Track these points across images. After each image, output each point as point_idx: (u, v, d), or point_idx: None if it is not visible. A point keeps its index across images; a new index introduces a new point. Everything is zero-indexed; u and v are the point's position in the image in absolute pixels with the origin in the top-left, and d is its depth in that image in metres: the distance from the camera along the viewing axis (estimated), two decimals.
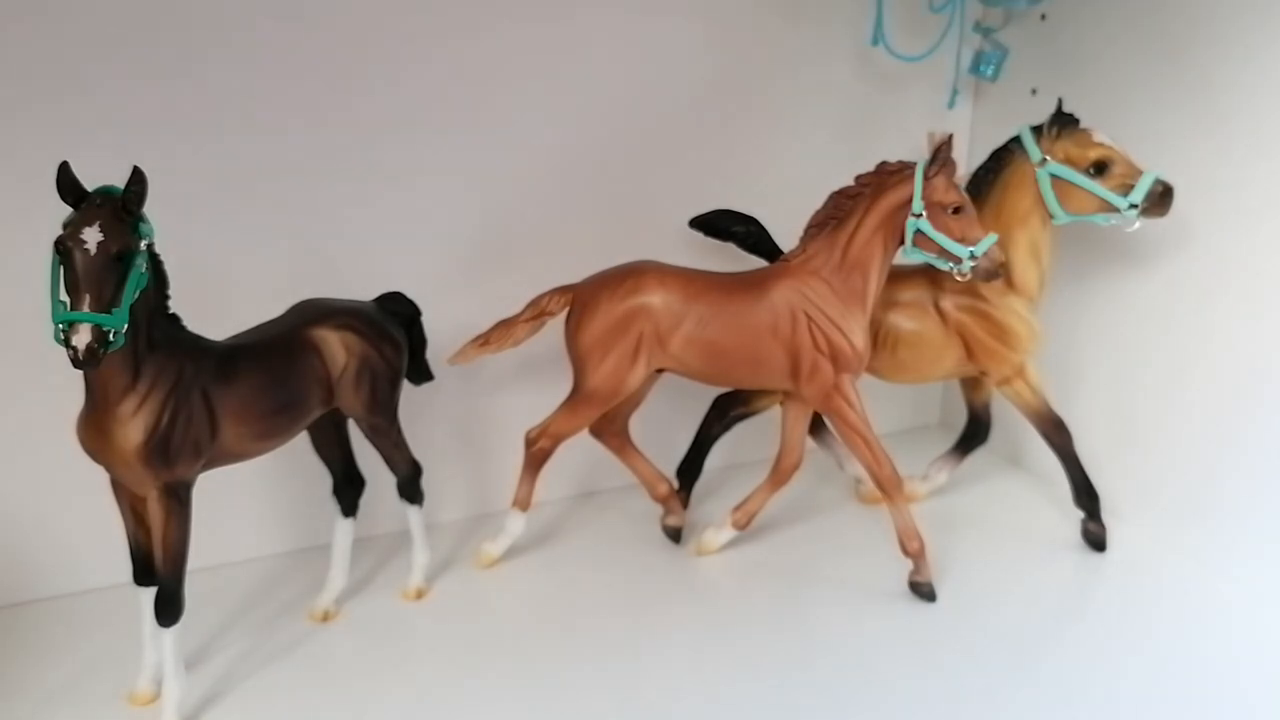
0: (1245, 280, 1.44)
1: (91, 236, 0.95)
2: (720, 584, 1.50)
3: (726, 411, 1.62)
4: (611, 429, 1.53)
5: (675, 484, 1.60)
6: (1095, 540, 1.57)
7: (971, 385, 1.65)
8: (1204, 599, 1.45)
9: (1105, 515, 1.56)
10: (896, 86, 1.77)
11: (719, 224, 1.51)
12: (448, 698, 1.23)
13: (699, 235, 1.52)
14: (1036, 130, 1.42)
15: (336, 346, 1.23)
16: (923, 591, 1.43)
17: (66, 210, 0.98)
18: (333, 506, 1.38)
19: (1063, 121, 1.40)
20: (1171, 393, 1.56)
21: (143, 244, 1.00)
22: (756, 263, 1.49)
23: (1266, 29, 1.37)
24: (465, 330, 1.42)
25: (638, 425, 1.55)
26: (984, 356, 1.49)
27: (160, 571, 1.12)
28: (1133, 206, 1.37)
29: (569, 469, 1.66)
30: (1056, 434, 1.53)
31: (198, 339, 1.13)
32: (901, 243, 1.32)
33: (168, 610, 1.13)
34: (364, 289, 1.35)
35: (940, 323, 1.50)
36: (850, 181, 1.35)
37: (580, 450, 1.57)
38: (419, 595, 1.44)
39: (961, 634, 1.36)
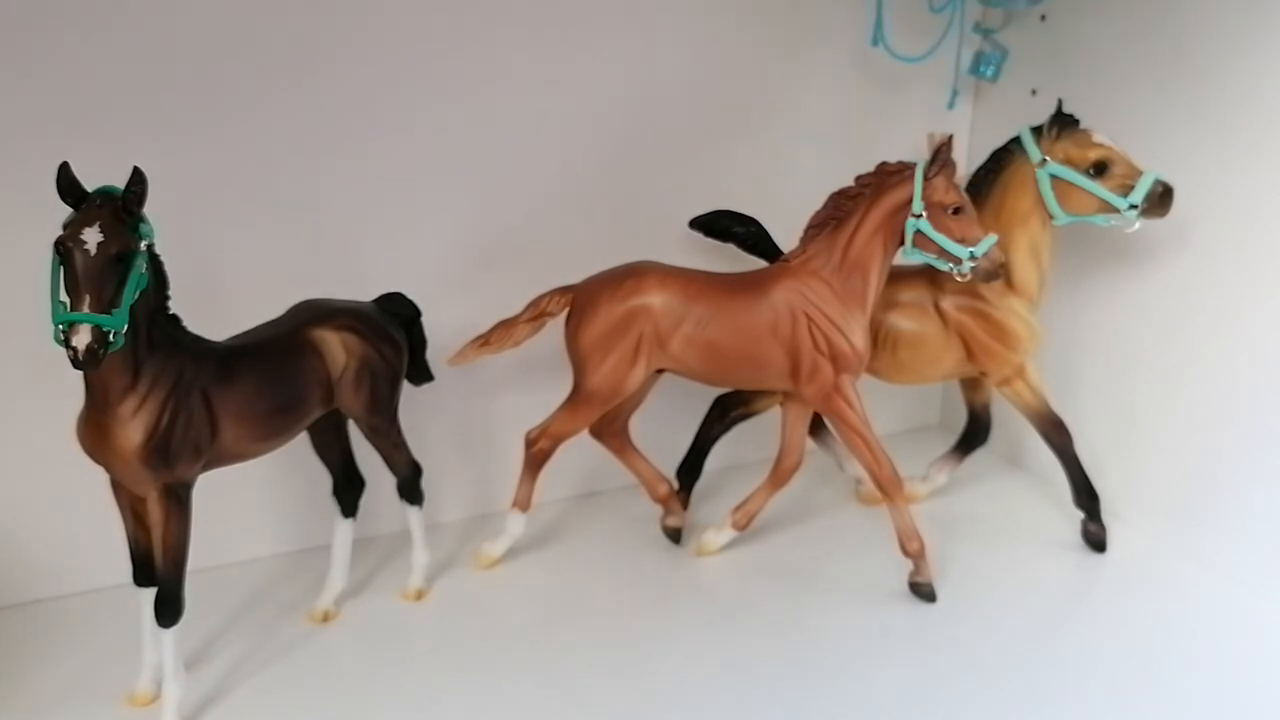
0: (1245, 280, 1.44)
1: (91, 237, 0.95)
2: (720, 584, 1.50)
3: (727, 412, 1.62)
4: (611, 429, 1.53)
5: (675, 484, 1.60)
6: (1095, 540, 1.57)
7: (971, 386, 1.65)
8: (1204, 599, 1.45)
9: (1105, 515, 1.56)
10: (896, 87, 1.77)
11: (719, 224, 1.51)
12: (448, 698, 1.23)
13: (699, 235, 1.52)
14: (1036, 131, 1.42)
15: (336, 347, 1.23)
16: (923, 592, 1.43)
17: (66, 211, 0.98)
18: (333, 507, 1.38)
19: (1063, 122, 1.40)
20: (1171, 393, 1.56)
21: (143, 244, 1.00)
22: (756, 263, 1.49)
23: (1266, 28, 1.37)
24: (465, 330, 1.42)
25: (638, 425, 1.55)
26: (984, 357, 1.49)
27: (160, 572, 1.12)
28: (1133, 207, 1.37)
29: (569, 470, 1.66)
30: (1056, 434, 1.53)
31: (198, 339, 1.13)
32: (901, 243, 1.32)
33: (168, 611, 1.13)
34: (364, 289, 1.35)
35: (940, 323, 1.50)
36: (850, 182, 1.35)
37: (580, 451, 1.57)
38: (419, 596, 1.44)
39: (961, 634, 1.36)
